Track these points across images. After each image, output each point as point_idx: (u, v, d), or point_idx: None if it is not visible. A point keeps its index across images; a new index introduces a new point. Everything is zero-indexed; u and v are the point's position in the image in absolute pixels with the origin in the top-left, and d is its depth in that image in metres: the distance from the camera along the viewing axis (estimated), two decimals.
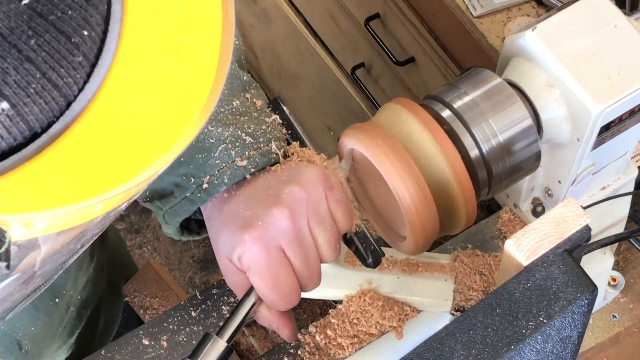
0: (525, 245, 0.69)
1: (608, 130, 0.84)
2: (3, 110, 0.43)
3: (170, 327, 0.96)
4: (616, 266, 1.09)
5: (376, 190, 0.86)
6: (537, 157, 0.84)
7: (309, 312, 1.06)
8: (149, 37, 0.47)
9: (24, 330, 1.02)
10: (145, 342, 0.96)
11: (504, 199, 0.99)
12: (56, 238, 0.46)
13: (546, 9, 1.23)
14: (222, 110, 0.84)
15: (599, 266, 1.03)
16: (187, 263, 2.15)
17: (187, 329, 0.96)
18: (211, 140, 0.82)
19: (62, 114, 0.44)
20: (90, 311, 1.13)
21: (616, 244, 1.08)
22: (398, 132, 0.80)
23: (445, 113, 0.82)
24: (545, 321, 0.65)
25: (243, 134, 0.83)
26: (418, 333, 0.94)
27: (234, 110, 0.84)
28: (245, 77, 0.88)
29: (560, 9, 0.83)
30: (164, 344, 0.96)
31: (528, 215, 0.96)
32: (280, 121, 0.87)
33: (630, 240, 1.11)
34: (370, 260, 0.85)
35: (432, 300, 0.93)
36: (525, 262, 0.69)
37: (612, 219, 0.99)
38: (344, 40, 1.72)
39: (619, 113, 0.82)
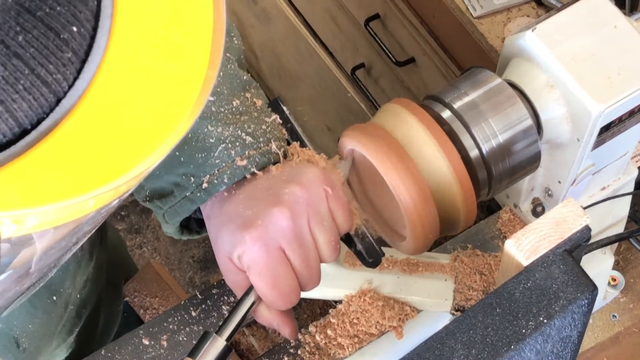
0: (525, 245, 0.69)
1: (608, 130, 0.84)
2: None
3: (170, 326, 0.97)
4: (616, 266, 1.09)
5: (376, 190, 0.86)
6: (537, 157, 0.84)
7: (309, 311, 1.06)
8: (139, 33, 0.46)
9: (21, 329, 1.02)
10: (145, 342, 0.96)
11: (504, 199, 0.99)
12: (49, 235, 0.46)
13: (546, 9, 1.23)
14: (222, 110, 0.84)
15: (599, 266, 1.03)
16: (187, 263, 2.15)
17: (187, 329, 0.96)
18: (211, 140, 0.82)
19: (51, 110, 0.44)
20: (89, 310, 1.13)
21: (616, 244, 1.08)
22: (398, 132, 0.80)
23: (445, 113, 0.82)
24: (545, 321, 0.66)
25: (243, 134, 0.83)
26: (418, 333, 0.94)
27: (234, 109, 0.84)
28: (245, 77, 0.88)
29: (560, 9, 0.83)
30: (164, 343, 0.96)
31: (528, 215, 0.96)
32: (280, 121, 0.87)
33: (630, 240, 1.11)
34: (370, 260, 0.85)
35: (432, 300, 0.93)
36: (525, 262, 0.69)
37: (612, 219, 0.99)
38: (344, 40, 1.72)
39: (619, 113, 0.82)
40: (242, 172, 0.82)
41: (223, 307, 0.98)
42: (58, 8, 0.44)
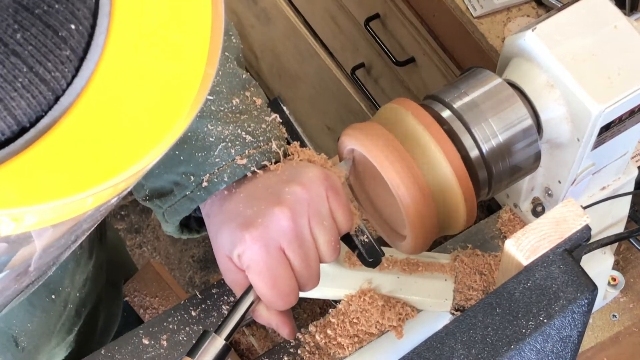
0: (525, 245, 0.69)
1: (608, 130, 0.84)
2: None
3: (170, 326, 0.96)
4: (616, 266, 1.09)
5: (376, 190, 0.86)
6: (537, 157, 0.84)
7: (309, 311, 1.06)
8: (137, 31, 0.46)
9: (20, 327, 1.01)
10: (145, 341, 0.96)
11: (504, 199, 0.99)
12: (48, 233, 0.46)
13: (546, 9, 1.23)
14: (222, 108, 0.84)
15: (599, 266, 1.03)
16: (187, 263, 2.15)
17: (187, 329, 0.96)
18: (211, 139, 0.82)
19: (50, 108, 0.44)
20: (89, 309, 1.13)
21: (616, 244, 1.08)
22: (398, 132, 0.80)
23: (446, 113, 0.82)
24: (545, 321, 0.66)
25: (243, 133, 0.83)
26: (418, 333, 0.94)
27: (233, 108, 0.84)
28: (244, 75, 0.88)
29: (560, 9, 0.83)
30: (164, 343, 0.96)
31: (528, 215, 0.96)
32: (280, 120, 0.87)
33: (630, 240, 1.11)
34: (370, 260, 0.85)
35: (432, 299, 0.93)
36: (525, 262, 0.69)
37: (612, 219, 0.99)
38: (344, 40, 1.72)
39: (619, 113, 0.82)
40: (242, 170, 0.82)
41: (223, 306, 0.98)
42: (56, 6, 0.44)
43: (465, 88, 0.83)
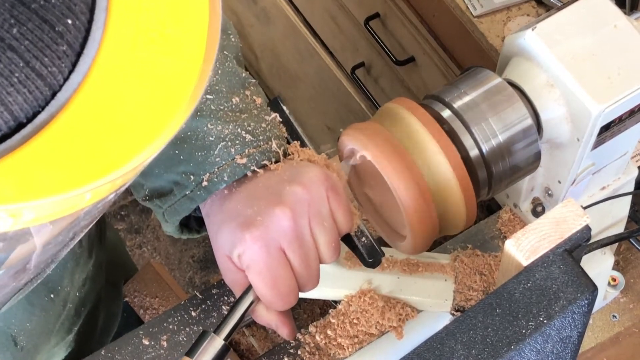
0: (525, 245, 0.69)
1: (608, 130, 0.83)
2: None
3: (170, 327, 0.96)
4: (616, 266, 1.09)
5: (376, 190, 0.86)
6: (537, 157, 0.84)
7: (309, 312, 1.06)
8: (135, 26, 0.46)
9: (19, 326, 1.01)
10: (145, 342, 0.96)
11: (504, 199, 0.99)
12: (47, 230, 0.46)
13: (546, 8, 1.23)
14: (222, 107, 0.84)
15: (599, 266, 1.03)
16: (187, 263, 2.15)
17: (187, 329, 0.96)
18: (211, 138, 0.82)
19: (47, 103, 0.44)
20: (88, 309, 1.13)
21: (616, 244, 1.08)
22: (398, 132, 0.80)
23: (445, 113, 0.82)
24: (545, 321, 0.65)
25: (243, 132, 0.83)
26: (418, 333, 0.94)
27: (233, 107, 0.84)
28: (243, 74, 0.87)
29: (560, 8, 0.83)
30: (164, 344, 0.96)
31: (528, 215, 0.96)
32: (280, 120, 0.87)
33: (630, 240, 1.11)
34: (370, 260, 0.85)
35: (432, 300, 0.93)
36: (525, 262, 0.69)
37: (612, 219, 0.99)
38: (344, 40, 1.72)
39: (619, 113, 0.82)
40: (242, 170, 0.82)
41: (223, 307, 0.97)
42: (53, 0, 0.44)
43: (465, 88, 0.82)
